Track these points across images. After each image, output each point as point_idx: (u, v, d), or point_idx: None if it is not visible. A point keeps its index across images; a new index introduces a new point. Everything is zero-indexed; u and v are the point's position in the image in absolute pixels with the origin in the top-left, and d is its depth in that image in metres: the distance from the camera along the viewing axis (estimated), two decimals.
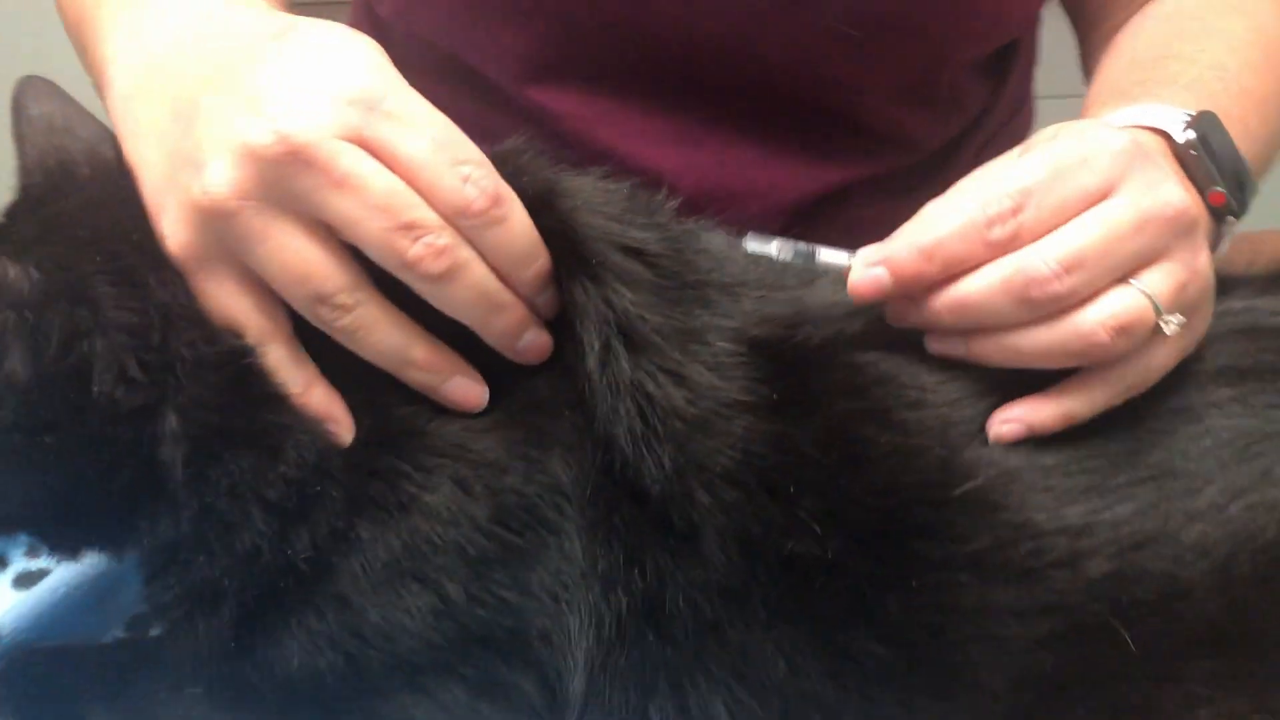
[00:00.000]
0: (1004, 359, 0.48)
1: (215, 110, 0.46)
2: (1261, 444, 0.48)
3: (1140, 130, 0.54)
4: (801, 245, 0.52)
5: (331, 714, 0.50)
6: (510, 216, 0.46)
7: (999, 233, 0.46)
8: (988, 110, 0.87)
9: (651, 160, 0.79)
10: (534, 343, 0.49)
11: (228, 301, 0.47)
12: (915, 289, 0.48)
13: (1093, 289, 0.46)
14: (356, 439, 0.49)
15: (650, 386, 0.48)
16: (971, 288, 0.47)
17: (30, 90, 0.54)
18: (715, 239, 0.56)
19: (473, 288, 0.46)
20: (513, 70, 0.77)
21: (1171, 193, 0.48)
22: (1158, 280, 0.47)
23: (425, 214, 0.45)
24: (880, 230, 0.50)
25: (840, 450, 0.48)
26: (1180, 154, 0.53)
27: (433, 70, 0.80)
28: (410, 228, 0.44)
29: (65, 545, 0.50)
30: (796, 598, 0.48)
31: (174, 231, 0.46)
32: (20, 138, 0.53)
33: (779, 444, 0.49)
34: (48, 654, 0.58)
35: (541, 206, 0.48)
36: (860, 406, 0.49)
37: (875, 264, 0.48)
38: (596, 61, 0.76)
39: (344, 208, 0.44)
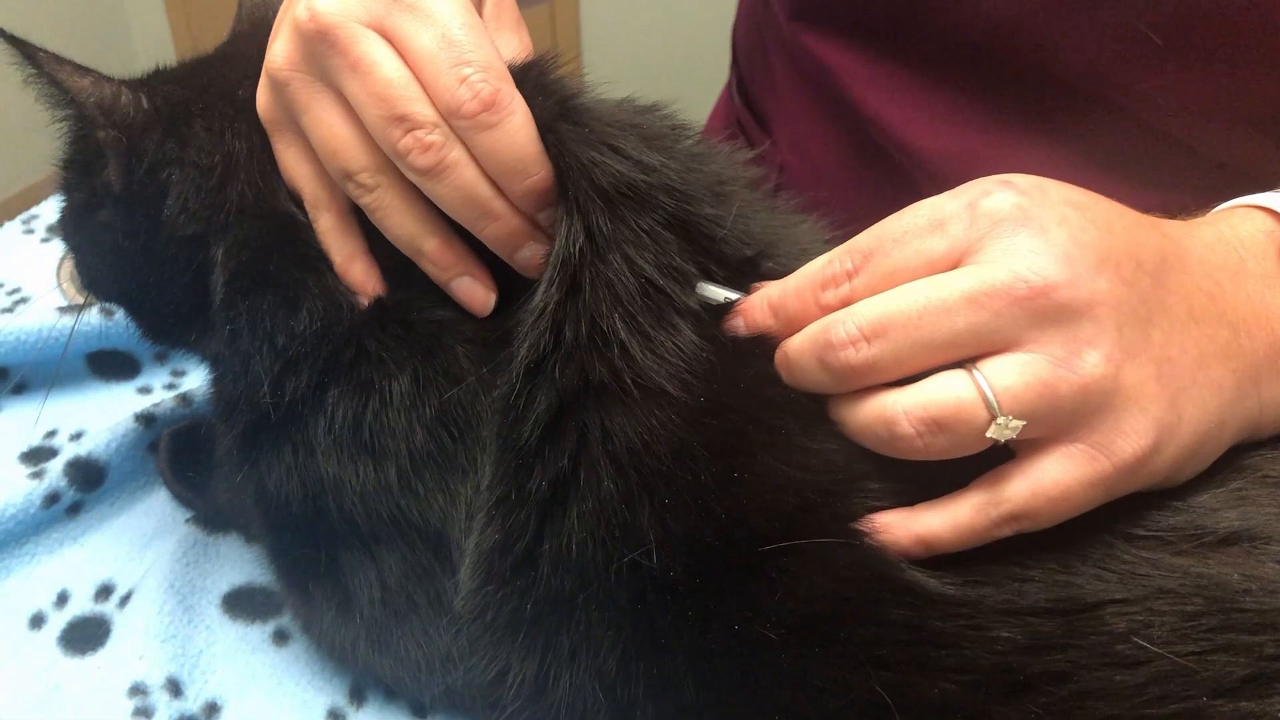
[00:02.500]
0: (842, 431, 0.43)
1: None
2: None
3: (1247, 210, 0.43)
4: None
5: (303, 544, 0.56)
6: (504, 125, 0.45)
7: (831, 296, 0.42)
8: None
9: (916, 137, 0.73)
10: (533, 257, 0.49)
11: (292, 165, 0.53)
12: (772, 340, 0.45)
13: (905, 366, 0.39)
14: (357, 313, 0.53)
15: (568, 332, 0.46)
16: (791, 346, 0.43)
17: None
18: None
19: (460, 189, 0.47)
20: (786, 4, 0.74)
21: (1036, 265, 0.38)
22: (1002, 372, 0.38)
23: (421, 109, 0.45)
24: None
25: (719, 466, 0.44)
26: None
27: None
28: (402, 119, 0.46)
29: (146, 333, 0.60)
30: (634, 607, 0.45)
31: (259, 94, 0.53)
32: None
33: (680, 453, 0.45)
34: (208, 425, 0.70)
35: (546, 129, 0.47)
36: (767, 425, 0.44)
37: (736, 315, 0.46)
38: (866, 16, 0.71)
39: (354, 90, 0.47)
